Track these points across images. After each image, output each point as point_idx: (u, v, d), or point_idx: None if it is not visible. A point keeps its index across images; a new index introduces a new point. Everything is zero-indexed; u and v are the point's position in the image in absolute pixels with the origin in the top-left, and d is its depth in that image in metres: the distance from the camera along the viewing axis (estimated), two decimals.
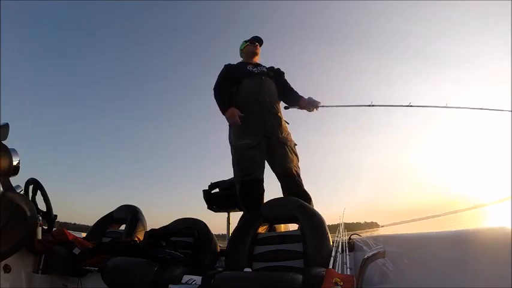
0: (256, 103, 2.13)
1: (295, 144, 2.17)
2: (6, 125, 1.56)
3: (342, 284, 0.93)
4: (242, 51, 2.47)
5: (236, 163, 2.05)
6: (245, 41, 2.45)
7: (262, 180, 2.04)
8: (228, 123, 2.17)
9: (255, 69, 2.27)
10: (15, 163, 1.58)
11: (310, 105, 2.26)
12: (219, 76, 2.27)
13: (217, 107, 2.17)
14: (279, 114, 2.19)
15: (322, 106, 2.30)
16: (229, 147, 2.15)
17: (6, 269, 1.66)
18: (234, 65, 2.38)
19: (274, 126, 2.10)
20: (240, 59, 2.48)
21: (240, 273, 1.40)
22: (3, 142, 1.55)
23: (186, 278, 1.37)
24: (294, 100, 2.32)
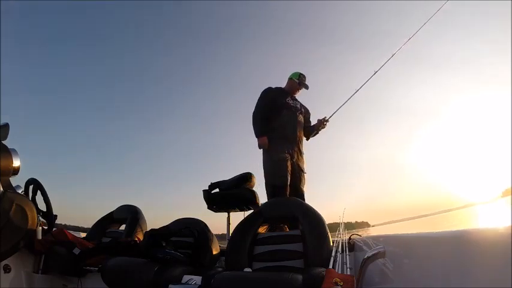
0: (292, 133, 2.62)
1: (305, 173, 2.64)
2: (6, 125, 1.56)
3: (342, 284, 0.94)
4: (290, 80, 2.82)
5: (274, 171, 2.47)
6: (299, 76, 2.79)
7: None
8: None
9: (292, 102, 2.74)
10: (15, 163, 1.57)
11: (321, 124, 2.77)
12: (263, 101, 2.68)
13: (252, 126, 2.61)
14: (301, 145, 2.70)
15: (330, 117, 2.80)
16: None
17: (6, 269, 1.65)
18: (276, 92, 2.76)
19: (298, 156, 2.62)
20: (285, 80, 2.87)
21: (240, 273, 1.41)
22: (3, 142, 1.55)
23: (186, 278, 1.37)
24: (311, 131, 2.81)
